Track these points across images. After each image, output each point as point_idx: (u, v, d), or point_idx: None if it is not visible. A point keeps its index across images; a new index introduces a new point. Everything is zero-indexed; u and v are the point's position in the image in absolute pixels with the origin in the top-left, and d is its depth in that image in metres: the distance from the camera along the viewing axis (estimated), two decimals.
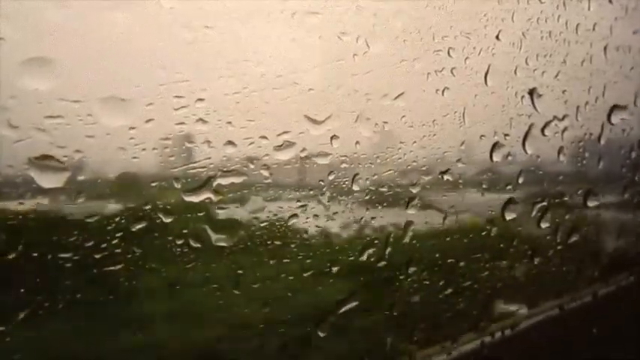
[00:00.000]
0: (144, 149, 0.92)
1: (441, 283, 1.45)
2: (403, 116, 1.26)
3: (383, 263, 1.28)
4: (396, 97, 1.24)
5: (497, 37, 1.42)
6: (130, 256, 0.96)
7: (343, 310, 1.22)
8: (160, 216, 0.98)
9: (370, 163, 1.25)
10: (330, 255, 1.22)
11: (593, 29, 1.75)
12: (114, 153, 0.91)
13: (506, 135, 1.50)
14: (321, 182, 1.18)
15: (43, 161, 0.83)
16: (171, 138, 0.99)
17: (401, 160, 1.29)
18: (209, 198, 1.02)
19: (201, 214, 1.03)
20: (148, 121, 0.92)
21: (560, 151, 1.68)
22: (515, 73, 1.49)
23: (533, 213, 1.66)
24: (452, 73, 1.32)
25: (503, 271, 1.66)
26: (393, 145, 1.29)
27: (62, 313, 0.95)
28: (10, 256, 0.84)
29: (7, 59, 0.78)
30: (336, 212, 1.21)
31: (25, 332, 0.90)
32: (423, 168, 1.34)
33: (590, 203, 1.87)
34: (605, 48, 1.81)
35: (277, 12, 1.06)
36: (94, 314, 1.02)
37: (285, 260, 1.14)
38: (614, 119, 1.88)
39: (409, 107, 1.26)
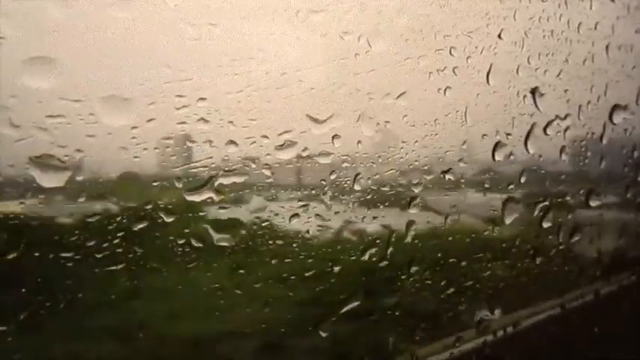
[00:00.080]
0: (145, 149, 0.92)
1: (442, 283, 1.45)
2: (405, 115, 1.26)
3: (385, 263, 1.28)
4: (398, 97, 1.24)
5: (499, 36, 1.41)
6: (131, 255, 0.96)
7: (345, 309, 1.22)
8: (162, 215, 0.98)
9: (372, 163, 1.25)
10: (332, 255, 1.22)
11: (595, 28, 1.75)
12: (115, 152, 0.90)
13: (508, 134, 1.50)
14: (322, 182, 1.18)
15: (44, 160, 0.83)
16: (172, 137, 0.98)
17: (403, 159, 1.28)
18: (210, 197, 1.02)
19: (202, 214, 1.03)
20: (149, 120, 0.92)
21: (562, 150, 1.68)
22: (518, 72, 1.49)
23: (535, 212, 1.66)
24: (454, 72, 1.32)
25: (505, 270, 1.66)
26: (395, 145, 1.29)
27: (63, 313, 0.95)
28: (11, 256, 0.84)
29: (8, 58, 0.78)
30: (338, 212, 1.21)
31: (25, 332, 0.90)
32: (425, 167, 1.34)
33: (592, 203, 1.86)
34: (607, 47, 1.81)
35: (281, 10, 1.06)
36: (95, 314, 1.02)
37: (286, 260, 1.14)
38: (616, 119, 1.88)
39: (411, 106, 1.26)
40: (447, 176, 1.39)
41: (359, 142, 1.20)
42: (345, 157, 1.19)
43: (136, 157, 0.92)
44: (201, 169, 1.01)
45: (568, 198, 1.84)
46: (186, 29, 0.94)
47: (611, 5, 1.84)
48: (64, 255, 0.88)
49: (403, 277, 1.34)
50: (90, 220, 0.92)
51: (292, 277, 1.14)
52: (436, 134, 1.32)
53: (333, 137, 1.15)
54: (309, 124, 1.12)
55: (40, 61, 0.80)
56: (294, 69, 1.09)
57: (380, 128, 1.23)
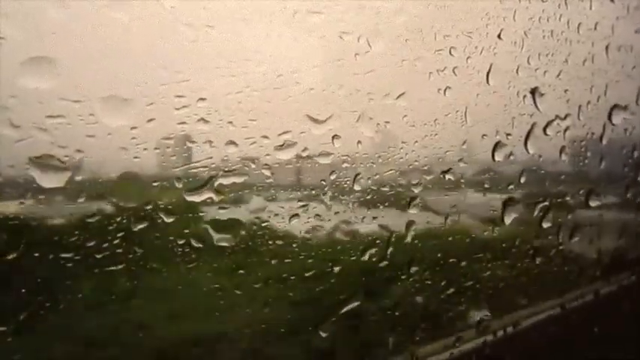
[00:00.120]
0: (145, 149, 0.92)
1: (442, 283, 1.45)
2: (405, 116, 1.26)
3: (385, 263, 1.28)
4: (398, 97, 1.24)
5: (499, 36, 1.41)
6: (131, 256, 0.96)
7: (345, 310, 1.22)
8: (162, 216, 0.98)
9: (372, 163, 1.25)
10: (332, 255, 1.22)
11: (595, 28, 1.75)
12: (115, 153, 0.90)
13: (508, 134, 1.50)
14: (322, 182, 1.18)
15: (44, 161, 0.83)
16: (172, 138, 0.98)
17: (402, 159, 1.28)
18: (210, 198, 1.02)
19: (202, 214, 1.03)
20: (149, 120, 0.92)
21: (562, 150, 1.68)
22: (517, 72, 1.49)
23: (535, 213, 1.66)
24: (454, 72, 1.32)
25: (505, 270, 1.66)
26: (395, 145, 1.29)
27: (63, 314, 0.95)
28: (11, 256, 0.84)
29: (8, 59, 0.78)
30: (338, 212, 1.21)
31: (25, 332, 0.90)
32: (425, 168, 1.34)
33: (592, 203, 1.86)
34: (606, 47, 1.81)
35: (278, 11, 1.06)
36: (95, 314, 1.02)
37: (286, 260, 1.14)
38: (615, 119, 1.87)
39: (411, 107, 1.26)
40: (447, 176, 1.39)
41: (359, 142, 1.21)
42: (344, 158, 1.19)
43: (135, 157, 0.92)
44: (201, 169, 1.01)
45: (568, 198, 1.84)
46: (183, 31, 0.94)
47: (611, 5, 1.84)
48: (63, 255, 0.88)
49: (403, 277, 1.34)
50: (90, 220, 0.92)
51: (292, 278, 1.14)
52: (436, 134, 1.32)
53: (333, 137, 1.15)
54: (308, 125, 1.12)
55: (40, 62, 0.80)
56: (293, 70, 1.09)
57: (380, 128, 1.23)
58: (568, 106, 1.68)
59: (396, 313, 1.33)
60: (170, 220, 0.98)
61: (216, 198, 1.02)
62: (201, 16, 0.96)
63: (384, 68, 1.22)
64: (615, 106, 1.88)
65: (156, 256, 1.00)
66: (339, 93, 1.16)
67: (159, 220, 0.98)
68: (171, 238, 1.00)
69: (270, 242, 1.12)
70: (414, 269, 1.35)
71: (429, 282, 1.41)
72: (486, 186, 1.51)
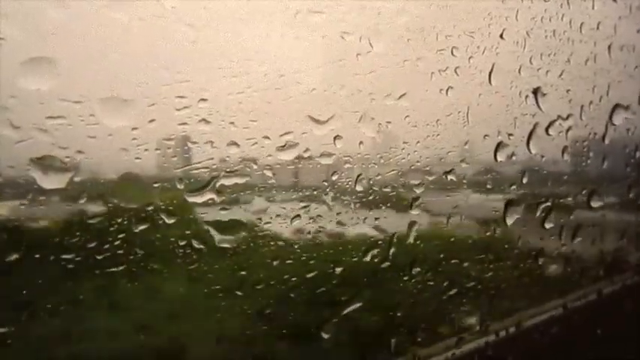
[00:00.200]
0: (146, 150, 0.92)
1: (444, 284, 1.45)
2: (407, 116, 1.26)
3: (387, 264, 1.28)
4: (400, 97, 1.23)
5: (501, 36, 1.41)
6: (132, 257, 0.95)
7: (347, 311, 1.22)
8: (163, 217, 0.98)
9: (374, 164, 1.24)
10: (334, 256, 1.21)
11: (598, 28, 1.74)
12: (116, 153, 0.90)
13: (510, 134, 1.49)
14: (324, 182, 1.18)
15: (45, 162, 0.83)
16: (173, 138, 0.98)
17: (404, 160, 1.28)
18: (212, 199, 1.02)
19: (203, 215, 1.03)
20: (150, 121, 0.92)
21: (564, 150, 1.68)
22: (520, 72, 1.49)
23: (538, 213, 1.65)
24: (455, 72, 1.32)
25: (507, 271, 1.66)
26: (397, 145, 1.28)
27: (64, 314, 0.95)
28: (12, 258, 0.83)
29: (8, 59, 0.78)
30: (340, 213, 1.21)
31: (26, 333, 0.90)
32: (427, 168, 1.34)
33: (595, 203, 1.86)
34: (609, 47, 1.80)
35: (280, 11, 1.06)
36: (96, 316, 1.02)
37: (288, 261, 1.14)
38: (616, 119, 1.87)
39: (413, 107, 1.25)
40: (449, 177, 1.39)
41: (360, 142, 1.20)
42: (346, 158, 1.19)
43: (136, 158, 0.91)
44: (203, 170, 1.01)
45: (570, 198, 1.84)
46: (184, 31, 0.94)
47: (614, 5, 1.84)
48: (64, 256, 0.88)
49: (405, 278, 1.34)
50: (91, 221, 0.92)
51: (294, 279, 1.14)
52: (438, 135, 1.32)
53: (335, 138, 1.15)
54: (310, 125, 1.12)
55: (40, 62, 0.80)
56: (295, 70, 1.09)
57: (381, 129, 1.23)
58: (570, 106, 1.68)
59: (398, 314, 1.33)
60: (171, 221, 0.98)
61: (217, 199, 1.02)
62: (202, 17, 0.96)
63: (386, 68, 1.21)
64: (617, 106, 1.87)
65: (157, 258, 1.00)
66: (340, 93, 1.16)
67: (160, 221, 0.98)
68: (173, 239, 1.00)
69: (272, 243, 1.12)
70: (415, 270, 1.34)
71: (431, 283, 1.40)
72: (488, 186, 1.51)
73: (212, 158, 1.01)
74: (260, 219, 1.09)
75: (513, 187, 1.55)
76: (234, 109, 1.01)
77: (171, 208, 0.99)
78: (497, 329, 1.58)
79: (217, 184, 1.02)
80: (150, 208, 0.98)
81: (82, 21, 0.85)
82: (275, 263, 1.12)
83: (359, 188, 1.22)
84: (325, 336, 1.18)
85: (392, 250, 1.28)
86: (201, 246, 1.02)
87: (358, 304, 1.23)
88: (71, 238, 0.90)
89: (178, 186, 0.99)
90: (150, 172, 0.98)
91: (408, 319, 1.38)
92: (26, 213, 0.87)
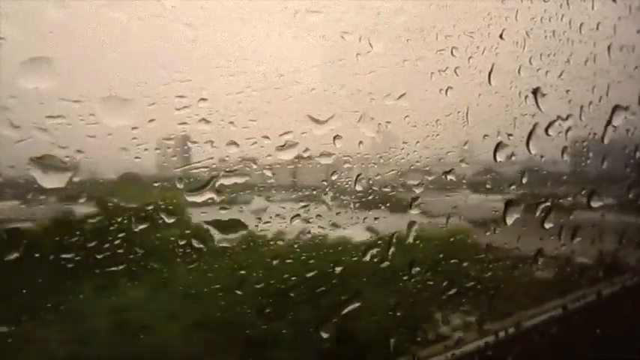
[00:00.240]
0: (146, 149, 0.92)
1: (444, 284, 1.45)
2: (406, 116, 1.26)
3: (386, 264, 1.28)
4: (399, 97, 1.23)
5: (500, 37, 1.41)
6: (132, 256, 0.96)
7: (346, 310, 1.22)
8: (163, 216, 0.98)
9: (373, 163, 1.24)
10: (333, 255, 1.21)
11: (597, 28, 1.74)
12: (116, 153, 0.90)
13: (509, 135, 1.49)
14: (323, 182, 1.18)
15: (45, 161, 0.83)
16: (173, 138, 0.98)
17: (404, 160, 1.28)
18: (212, 198, 1.02)
19: (203, 215, 1.03)
20: (149, 120, 0.92)
21: (563, 151, 1.68)
22: (519, 72, 1.49)
23: (537, 213, 1.65)
24: (455, 72, 1.32)
25: (507, 271, 1.66)
26: (396, 145, 1.28)
27: (64, 314, 0.95)
28: (12, 257, 0.83)
29: (8, 59, 0.78)
30: (339, 212, 1.21)
31: (26, 333, 0.90)
32: (426, 168, 1.34)
33: (594, 203, 1.86)
34: (608, 47, 1.80)
35: (279, 11, 1.06)
36: (95, 315, 1.02)
37: (287, 261, 1.14)
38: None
39: (412, 107, 1.25)
40: (449, 177, 1.39)
41: (360, 142, 1.20)
42: (346, 158, 1.19)
43: (136, 157, 0.92)
44: (202, 169, 1.01)
45: (570, 199, 1.84)
46: (183, 30, 0.94)
47: (613, 6, 1.84)
48: (64, 256, 0.88)
49: (405, 277, 1.34)
50: (90, 220, 0.92)
51: (294, 278, 1.14)
52: (437, 135, 1.32)
53: (334, 138, 1.15)
54: (309, 125, 1.12)
55: (40, 62, 0.80)
56: (294, 70, 1.09)
57: (381, 129, 1.23)
58: (570, 107, 1.68)
59: (398, 314, 1.33)
60: (171, 220, 0.98)
61: (217, 198, 1.02)
62: (201, 16, 0.96)
63: (385, 68, 1.21)
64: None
65: (157, 257, 1.00)
66: (340, 93, 1.16)
67: (160, 221, 0.98)
68: (172, 238, 1.00)
69: (272, 243, 1.12)
70: (415, 270, 1.34)
71: (431, 282, 1.40)
72: (488, 186, 1.51)
73: (212, 158, 1.01)
74: (259, 218, 1.09)
75: (513, 187, 1.55)
76: (234, 109, 1.01)
77: (170, 207, 0.99)
78: (497, 329, 1.58)
79: (217, 184, 1.02)
80: (150, 207, 0.98)
81: (82, 21, 0.85)
82: (275, 263, 1.12)
83: (358, 188, 1.22)
84: (325, 335, 1.18)
85: (391, 250, 1.28)
86: (201, 245, 1.02)
87: (358, 304, 1.23)
88: (71, 238, 0.90)
89: (178, 185, 0.99)
90: (149, 171, 0.99)
91: (408, 318, 1.38)
92: (26, 212, 0.87)
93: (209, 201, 1.02)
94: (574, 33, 1.64)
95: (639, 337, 1.97)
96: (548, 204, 1.68)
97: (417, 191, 1.32)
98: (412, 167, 1.30)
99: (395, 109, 1.24)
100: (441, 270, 1.45)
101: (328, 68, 1.15)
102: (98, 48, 0.86)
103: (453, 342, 1.46)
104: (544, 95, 1.55)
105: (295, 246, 1.15)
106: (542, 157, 1.60)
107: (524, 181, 1.56)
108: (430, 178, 1.34)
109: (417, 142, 1.29)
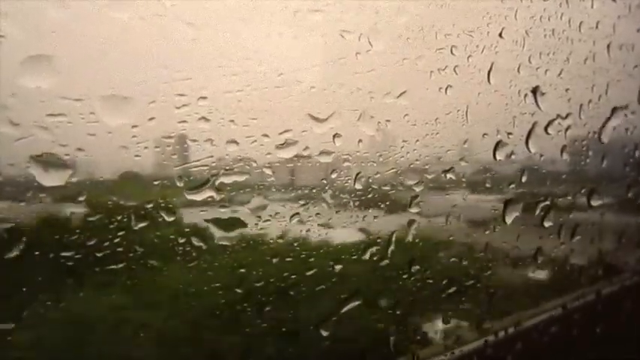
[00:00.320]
0: (146, 147, 0.92)
1: (443, 282, 1.45)
2: (406, 115, 1.26)
3: (386, 262, 1.28)
4: (399, 96, 1.24)
5: (500, 35, 1.41)
6: (132, 254, 0.96)
7: (346, 309, 1.22)
8: (162, 214, 0.98)
9: (373, 162, 1.25)
10: (333, 254, 1.22)
11: (597, 27, 1.74)
12: (116, 151, 0.90)
13: (509, 133, 1.49)
14: (323, 181, 1.18)
15: (45, 159, 0.83)
16: (173, 136, 0.99)
17: (403, 158, 1.28)
18: (211, 196, 1.02)
19: (203, 213, 1.03)
20: (149, 119, 0.92)
21: (563, 149, 1.68)
22: (519, 71, 1.49)
23: (537, 212, 1.66)
24: (455, 71, 1.32)
25: (506, 270, 1.66)
26: (396, 144, 1.28)
27: (64, 312, 0.96)
28: (12, 255, 0.84)
29: (8, 57, 0.78)
30: (339, 211, 1.21)
31: (26, 331, 0.90)
32: (426, 167, 1.34)
33: (594, 202, 1.86)
34: (608, 46, 1.80)
35: (279, 10, 1.06)
36: (95, 313, 1.02)
37: (287, 259, 1.14)
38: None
39: (412, 105, 1.25)
40: (448, 175, 1.39)
41: (360, 141, 1.20)
42: (346, 156, 1.19)
43: (136, 155, 0.92)
44: (202, 168, 1.01)
45: (569, 197, 1.84)
46: (184, 29, 0.94)
47: (613, 4, 1.84)
48: (64, 254, 0.88)
49: (404, 276, 1.34)
50: (90, 218, 0.92)
51: (293, 276, 1.14)
52: (437, 133, 1.32)
53: (334, 136, 1.15)
54: (309, 123, 1.12)
55: (40, 60, 0.80)
56: (294, 69, 1.09)
57: (381, 127, 1.23)
58: (569, 105, 1.68)
59: (397, 312, 1.33)
60: (171, 218, 0.99)
61: (217, 197, 1.02)
62: (202, 15, 0.97)
63: (385, 67, 1.21)
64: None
65: (157, 255, 1.01)
66: (340, 92, 1.16)
67: (160, 219, 0.98)
68: (172, 236, 1.01)
69: (271, 241, 1.12)
70: (415, 268, 1.35)
71: (430, 281, 1.41)
72: (487, 185, 1.51)
73: (211, 156, 1.01)
74: (259, 217, 1.09)
75: (512, 186, 1.55)
76: (234, 108, 1.01)
77: (170, 205, 0.99)
78: (496, 329, 1.58)
79: (217, 182, 1.02)
80: (149, 205, 0.98)
81: (82, 19, 0.85)
82: (274, 261, 1.12)
83: (358, 187, 1.22)
84: (324, 334, 1.19)
85: (391, 249, 1.28)
86: (201, 244, 1.02)
87: (357, 302, 1.23)
88: (71, 236, 0.90)
89: (178, 184, 0.99)
90: (149, 169, 0.99)
91: (407, 317, 1.38)
92: (26, 210, 0.87)
93: (209, 199, 1.02)
94: (573, 32, 1.64)
95: (638, 336, 1.97)
96: (548, 203, 1.68)
97: (417, 190, 1.32)
98: (412, 166, 1.30)
99: (394, 107, 1.24)
100: (440, 268, 1.45)
101: (328, 67, 1.16)
102: (99, 47, 0.86)
103: (452, 341, 1.46)
104: (543, 94, 1.55)
105: (295, 244, 1.15)
106: (541, 155, 1.60)
107: (523, 179, 1.56)
108: (430, 177, 1.34)
109: (417, 140, 1.29)
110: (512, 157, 1.52)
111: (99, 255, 0.92)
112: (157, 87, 0.93)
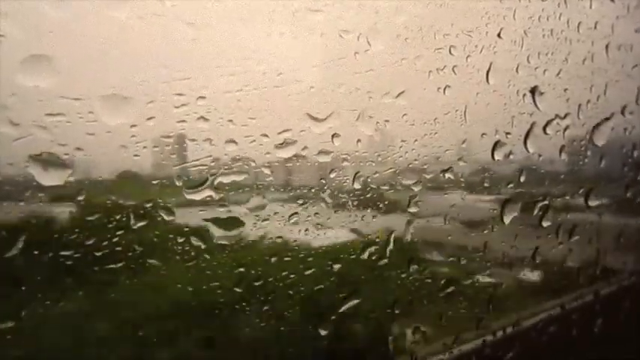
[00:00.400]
0: (145, 147, 0.92)
1: (442, 282, 1.45)
2: (404, 114, 1.26)
3: (384, 261, 1.28)
4: (398, 96, 1.24)
5: (498, 35, 1.41)
6: (130, 254, 0.96)
7: (344, 308, 1.22)
8: (161, 214, 0.98)
9: (371, 162, 1.25)
10: (332, 253, 1.22)
11: (595, 27, 1.75)
12: (115, 151, 0.91)
13: (507, 133, 1.50)
14: (322, 180, 1.18)
15: (44, 159, 0.83)
16: (172, 136, 0.99)
17: (402, 158, 1.29)
18: (210, 196, 1.02)
19: (202, 212, 1.03)
20: (148, 118, 0.92)
21: (561, 149, 1.68)
22: (517, 71, 1.49)
23: (535, 212, 1.66)
24: (453, 71, 1.32)
25: (505, 269, 1.66)
26: (394, 144, 1.29)
27: (63, 311, 0.96)
28: (11, 255, 0.84)
29: (8, 57, 0.78)
30: (337, 210, 1.21)
31: (25, 330, 0.90)
32: (424, 166, 1.34)
33: (592, 202, 1.86)
34: (606, 46, 1.81)
35: (278, 10, 1.06)
36: (94, 312, 1.02)
37: (286, 258, 1.14)
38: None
39: (410, 105, 1.26)
40: (447, 175, 1.39)
41: (358, 140, 1.21)
42: (344, 156, 1.20)
43: (135, 155, 0.92)
44: (201, 167, 1.01)
45: (567, 197, 1.84)
46: (183, 29, 0.94)
47: (611, 5, 1.84)
48: (63, 253, 0.88)
49: (403, 275, 1.34)
50: (89, 218, 0.92)
51: (292, 276, 1.14)
52: (435, 133, 1.32)
53: (333, 136, 1.15)
54: (308, 123, 1.12)
55: (40, 60, 0.80)
56: (293, 68, 1.09)
57: (379, 127, 1.23)
58: (568, 105, 1.68)
59: (396, 312, 1.33)
60: (170, 218, 0.99)
61: (215, 196, 1.03)
62: (202, 15, 0.97)
63: (384, 67, 1.22)
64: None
65: (155, 254, 1.01)
66: (338, 91, 1.16)
67: (158, 218, 0.98)
68: (171, 236, 1.01)
69: (270, 240, 1.12)
70: (413, 268, 1.35)
71: (429, 280, 1.41)
72: (486, 185, 1.51)
73: (210, 156, 1.01)
74: (258, 216, 1.09)
75: (511, 185, 1.55)
76: (233, 107, 1.01)
77: (169, 205, 0.99)
78: (495, 328, 1.58)
79: (215, 182, 1.02)
80: (148, 205, 0.98)
81: (82, 19, 0.85)
82: (273, 260, 1.12)
83: (356, 186, 1.22)
84: (323, 333, 1.19)
85: (389, 248, 1.28)
86: (200, 243, 1.02)
87: (356, 301, 1.23)
88: (70, 235, 0.90)
89: (177, 183, 1.00)
90: (148, 169, 0.99)
91: (406, 316, 1.38)
92: (25, 210, 0.87)
93: (207, 199, 1.02)
94: (572, 32, 1.64)
95: (637, 336, 1.98)
96: (546, 202, 1.68)
97: (415, 189, 1.32)
98: (410, 165, 1.31)
99: (393, 107, 1.24)
100: (439, 268, 1.45)
101: (327, 67, 1.16)
102: (98, 46, 0.87)
103: (451, 340, 1.46)
104: (542, 94, 1.56)
105: (294, 244, 1.15)
106: (539, 155, 1.60)
107: (521, 179, 1.57)
108: (428, 177, 1.34)
109: (415, 140, 1.29)
110: (511, 157, 1.52)
111: (98, 254, 0.92)
112: (156, 87, 0.93)
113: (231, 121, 1.01)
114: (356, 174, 1.22)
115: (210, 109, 0.98)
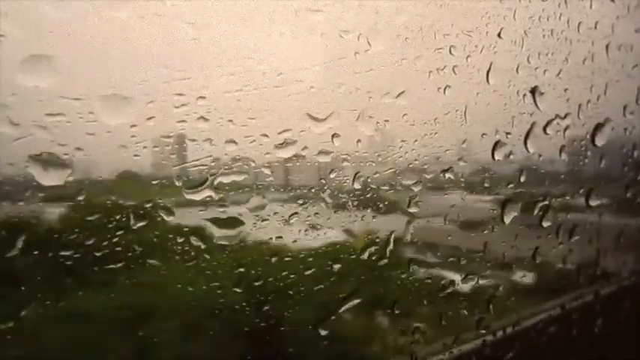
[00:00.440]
0: (145, 147, 0.92)
1: (442, 282, 1.45)
2: (404, 114, 1.26)
3: (384, 261, 1.28)
4: (398, 96, 1.24)
5: (498, 35, 1.41)
6: (130, 254, 0.96)
7: (345, 308, 1.22)
8: (161, 214, 0.98)
9: (371, 162, 1.25)
10: (332, 253, 1.22)
11: (595, 27, 1.75)
12: (115, 151, 0.91)
13: (507, 133, 1.49)
14: (322, 180, 1.18)
15: (44, 159, 0.83)
16: (172, 136, 0.99)
17: (402, 158, 1.29)
18: (210, 196, 1.02)
19: (202, 212, 1.03)
20: (148, 118, 0.92)
21: (562, 149, 1.68)
22: (517, 71, 1.49)
23: (535, 212, 1.66)
24: (453, 71, 1.32)
25: (505, 269, 1.66)
26: (394, 144, 1.29)
27: (63, 311, 0.95)
28: (11, 255, 0.84)
29: (8, 57, 0.78)
30: (337, 210, 1.21)
31: (25, 330, 0.90)
32: (424, 166, 1.34)
33: (592, 202, 1.86)
34: (607, 46, 1.81)
35: (279, 10, 1.06)
36: (94, 312, 1.02)
37: (286, 258, 1.14)
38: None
39: (410, 105, 1.26)
40: (447, 175, 1.39)
41: (358, 141, 1.21)
42: (344, 156, 1.20)
43: (135, 155, 0.92)
44: (201, 167, 1.01)
45: (568, 197, 1.84)
46: (184, 29, 0.94)
47: (611, 5, 1.84)
48: (63, 253, 0.88)
49: (403, 275, 1.34)
50: (89, 218, 0.92)
51: (292, 276, 1.14)
52: (436, 133, 1.32)
53: (333, 136, 1.15)
54: (308, 123, 1.12)
55: (40, 60, 0.80)
56: (293, 68, 1.09)
57: (379, 127, 1.23)
58: (568, 105, 1.68)
59: (396, 312, 1.33)
60: (170, 218, 0.99)
61: (215, 196, 1.02)
62: (202, 15, 0.97)
63: (384, 67, 1.22)
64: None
65: (155, 254, 1.00)
66: (339, 91, 1.16)
67: (158, 219, 0.98)
68: (171, 236, 1.01)
69: (270, 240, 1.12)
70: (413, 268, 1.35)
71: (429, 281, 1.41)
72: (486, 185, 1.51)
73: (210, 156, 1.01)
74: (258, 216, 1.09)
75: (511, 185, 1.55)
76: (233, 107, 1.01)
77: (169, 205, 0.99)
78: (495, 329, 1.58)
79: (215, 182, 1.02)
80: (148, 205, 0.98)
81: (82, 19, 0.85)
82: (273, 260, 1.12)
83: (357, 186, 1.22)
84: (323, 333, 1.19)
85: (389, 248, 1.28)
86: (200, 243, 1.02)
87: (356, 302, 1.23)
88: (70, 235, 0.90)
89: (177, 183, 1.00)
90: (148, 169, 0.99)
91: (406, 316, 1.38)
92: (25, 210, 0.87)
93: (207, 199, 1.02)
94: (572, 32, 1.64)
95: (637, 336, 1.98)
96: (547, 202, 1.68)
97: (415, 189, 1.32)
98: (410, 166, 1.31)
99: (393, 107, 1.24)
100: (438, 268, 1.45)
101: (327, 67, 1.16)
102: (98, 46, 0.87)
103: (451, 340, 1.46)
104: (542, 94, 1.56)
105: (293, 244, 1.15)
106: (540, 155, 1.60)
107: (522, 179, 1.57)
108: (428, 177, 1.34)
109: (415, 140, 1.29)
110: (511, 157, 1.52)
111: (98, 254, 0.92)
112: (156, 86, 0.93)
113: (231, 121, 1.01)
114: (356, 174, 1.22)
115: (210, 109, 0.98)
